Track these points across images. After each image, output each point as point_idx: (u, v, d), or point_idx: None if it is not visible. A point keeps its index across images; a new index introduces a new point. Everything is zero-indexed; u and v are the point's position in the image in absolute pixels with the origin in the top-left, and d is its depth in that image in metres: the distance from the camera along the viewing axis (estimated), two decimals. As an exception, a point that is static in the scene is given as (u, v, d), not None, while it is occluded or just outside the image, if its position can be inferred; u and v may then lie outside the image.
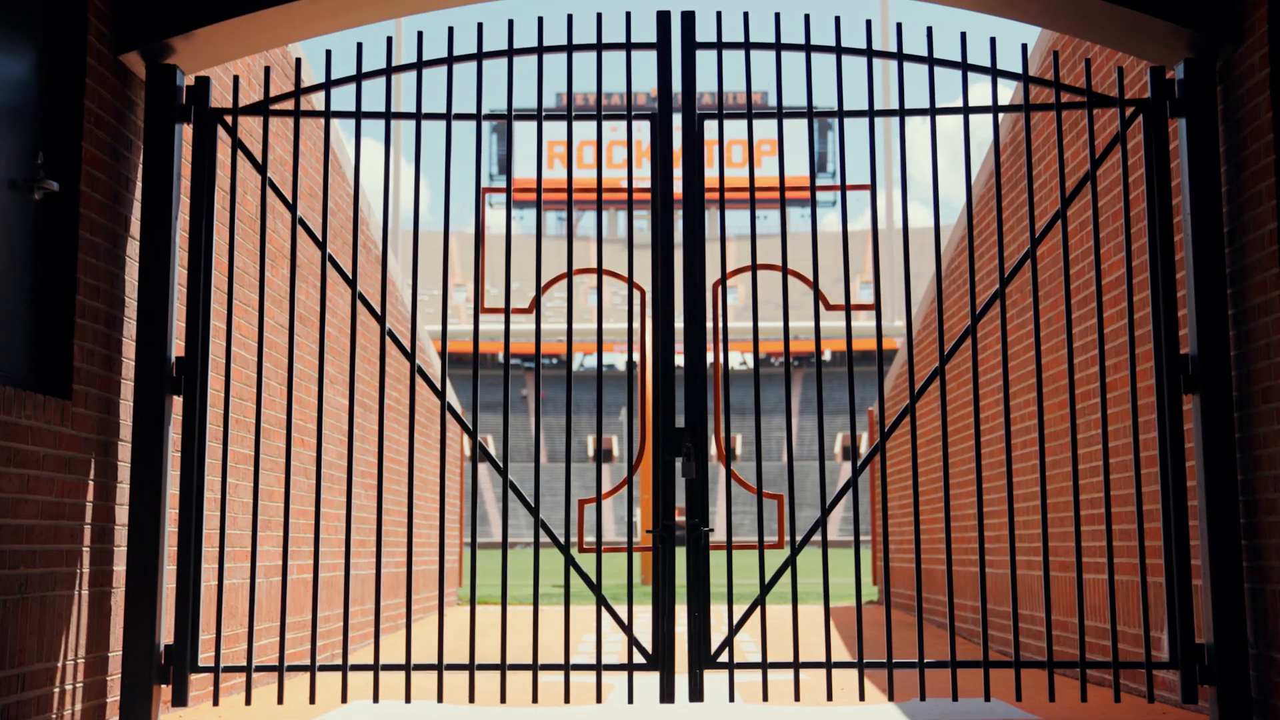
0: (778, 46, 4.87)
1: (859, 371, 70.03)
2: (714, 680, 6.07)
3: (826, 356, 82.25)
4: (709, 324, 5.07)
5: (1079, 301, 6.27)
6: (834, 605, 14.46)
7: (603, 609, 4.65)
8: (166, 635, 4.70)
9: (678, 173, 4.89)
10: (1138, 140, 5.26)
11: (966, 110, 4.82)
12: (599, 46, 4.91)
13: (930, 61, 4.85)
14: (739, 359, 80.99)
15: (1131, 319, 4.71)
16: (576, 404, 77.05)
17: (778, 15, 4.86)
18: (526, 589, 18.86)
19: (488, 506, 67.18)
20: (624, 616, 10.65)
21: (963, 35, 4.80)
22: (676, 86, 4.91)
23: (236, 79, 4.78)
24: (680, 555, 42.13)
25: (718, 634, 8.96)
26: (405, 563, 9.90)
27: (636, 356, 38.98)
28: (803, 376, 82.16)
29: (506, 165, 4.70)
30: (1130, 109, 5.03)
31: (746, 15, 4.84)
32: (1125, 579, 5.65)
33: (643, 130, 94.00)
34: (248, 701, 4.64)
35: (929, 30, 4.81)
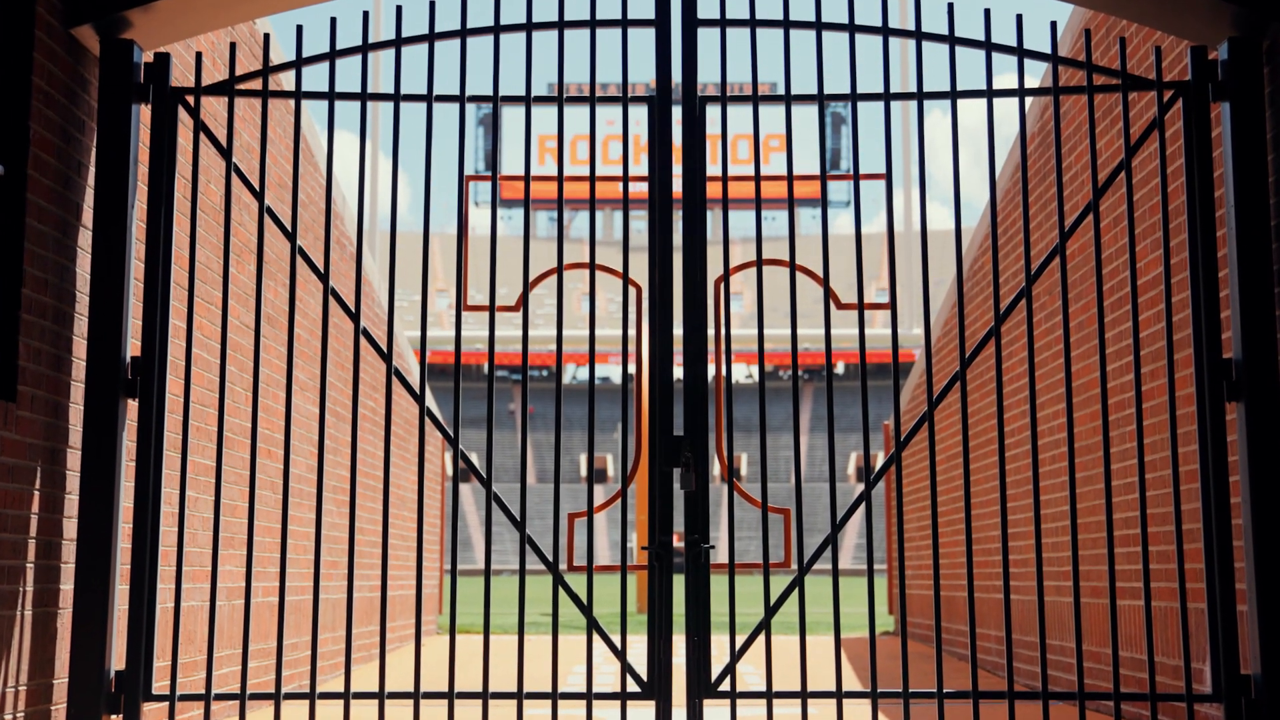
0: (785, 24, 4.86)
1: (874, 386, 70.09)
2: (714, 713, 6.03)
3: (839, 370, 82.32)
4: (711, 320, 5.05)
5: (1112, 304, 6.25)
6: (846, 636, 14.41)
7: (594, 632, 4.61)
8: (118, 660, 4.66)
9: (677, 170, 4.89)
10: (1177, 127, 5.24)
11: (990, 93, 4.80)
12: (593, 23, 4.89)
13: (951, 40, 4.84)
14: (744, 372, 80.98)
15: (1170, 321, 4.69)
16: (568, 420, 76.98)
17: (786, -11, 4.85)
18: (511, 617, 18.81)
19: (471, 529, 67.06)
20: (617, 642, 10.55)
21: (986, 12, 4.78)
22: (677, 75, 4.89)
23: (199, 56, 4.76)
24: (679, 582, 42.07)
25: (718, 663, 8.91)
26: (380, 586, 9.85)
27: (632, 356, 38.94)
28: (813, 391, 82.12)
29: (492, 157, 4.68)
30: (1169, 92, 5.02)
31: (752, -11, 4.82)
32: (1163, 605, 5.62)
33: (640, 125, 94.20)
34: (206, 733, 4.60)
35: (950, 6, 4.79)
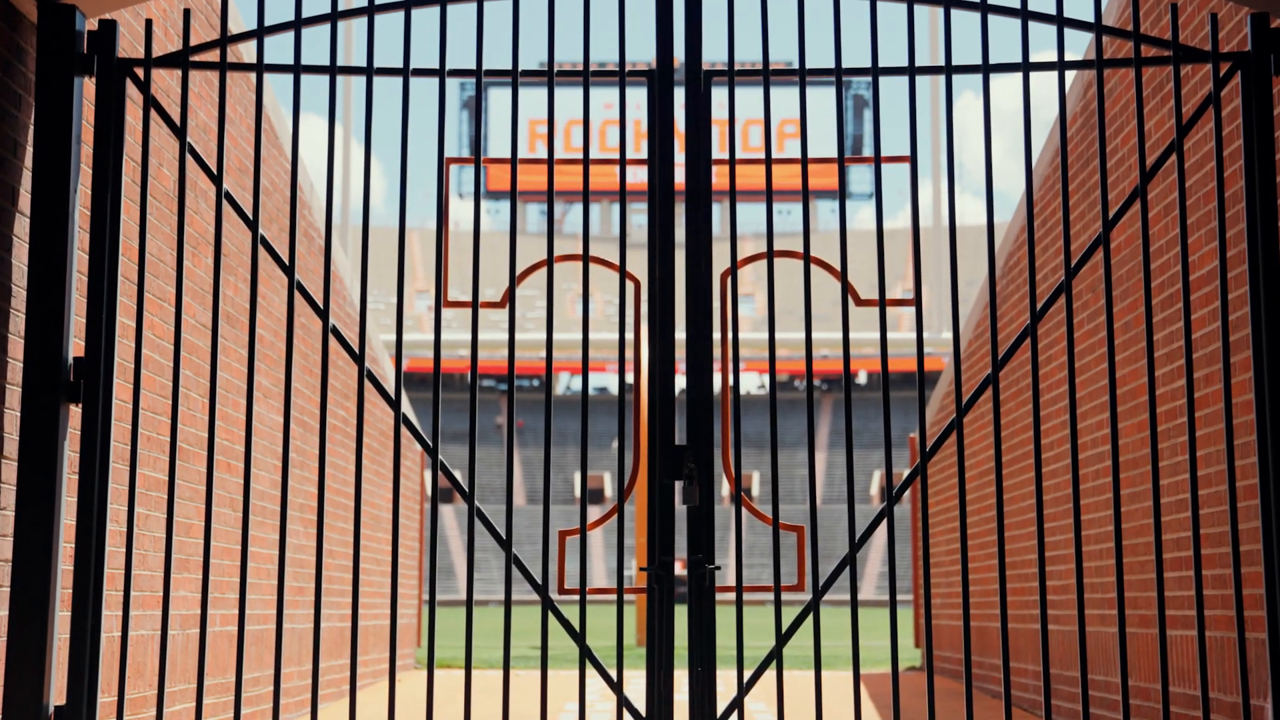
0: (801, -11, 4.84)
1: (899, 397, 70.12)
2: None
3: (861, 379, 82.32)
4: (717, 320, 5.02)
5: (1162, 301, 6.23)
6: (866, 671, 14.38)
7: (588, 662, 4.58)
8: (57, 695, 4.63)
9: (680, 158, 4.87)
10: (1235, 104, 5.22)
11: (1026, 66, 4.78)
12: (586, -11, 4.87)
13: (983, 8, 4.81)
14: (756, 382, 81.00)
15: (1225, 319, 4.66)
16: (561, 433, 76.99)
17: (801, -48, 4.83)
18: (496, 651, 18.76)
19: (453, 555, 67.02)
20: (613, 674, 10.43)
21: (1024, -23, 4.76)
22: (680, 52, 4.87)
23: (149, 24, 4.73)
24: (681, 613, 42.06)
25: (724, 699, 8.90)
26: (351, 616, 9.82)
27: (629, 364, 38.52)
28: (832, 403, 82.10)
29: (475, 138, 4.66)
30: (1225, 65, 4.99)
31: (763, -48, 4.80)
32: (1219, 635, 5.59)
33: (641, 109, 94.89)
34: (156, 776, 4.57)
35: (983, -29, 4.77)
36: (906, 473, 4.22)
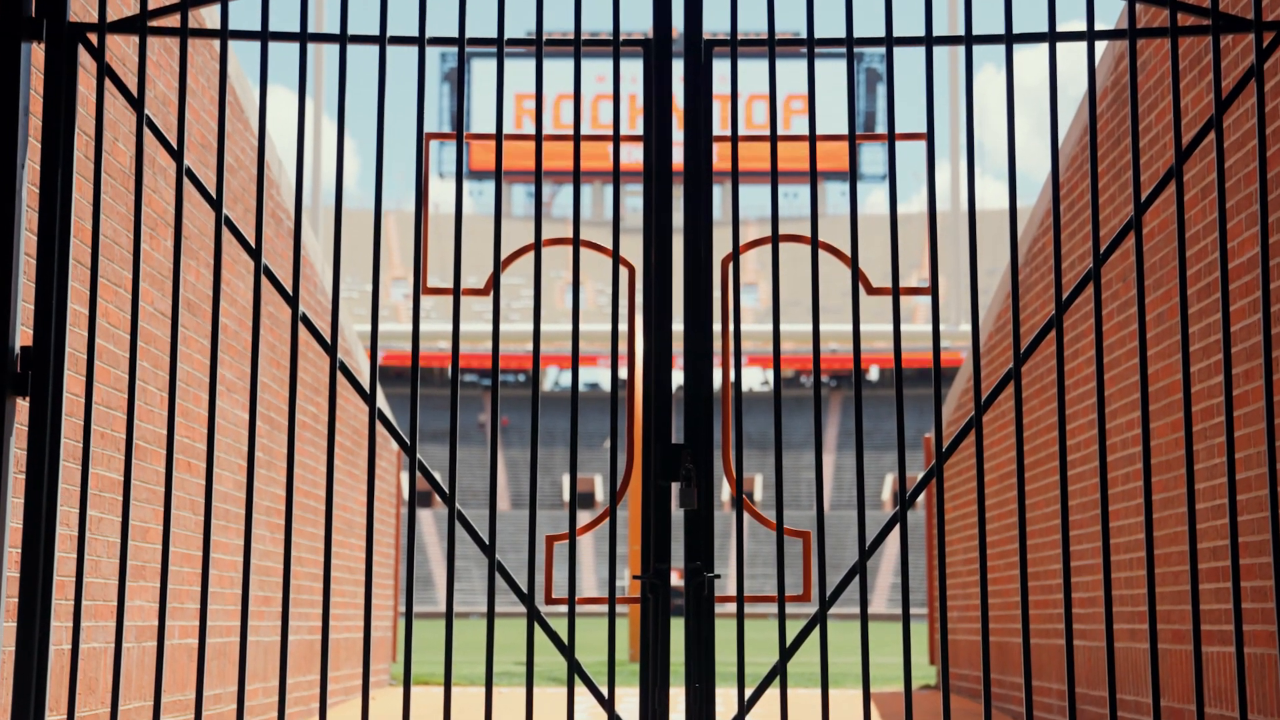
0: (810, -48, 4.83)
1: (914, 395, 70.23)
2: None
3: (873, 375, 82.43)
4: (718, 310, 5.00)
5: (1199, 291, 6.23)
6: (877, 690, 14.40)
7: (577, 677, 4.58)
8: (2, 713, 4.62)
9: (678, 136, 4.85)
10: (1279, 78, 5.21)
11: (1053, 37, 4.77)
12: (578, -49, 4.86)
13: (1008, -26, 4.81)
14: (760, 378, 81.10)
15: (1267, 311, 4.65)
16: (549, 433, 77.04)
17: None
18: (477, 666, 18.77)
19: (432, 564, 67.09)
20: (604, 691, 10.39)
21: (1050, -60, 4.74)
22: (679, 21, 4.86)
23: (104, -13, 4.72)
24: (677, 625, 42.07)
25: (723, 718, 8.91)
26: (321, 628, 9.78)
27: (623, 359, 38.38)
28: (841, 400, 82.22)
29: (458, 111, 4.65)
30: (1269, 35, 4.98)
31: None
32: (1258, 651, 5.59)
33: (637, 83, 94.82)
34: (109, 801, 4.56)
35: (1007, -67, 4.76)
36: (921, 475, 4.23)
